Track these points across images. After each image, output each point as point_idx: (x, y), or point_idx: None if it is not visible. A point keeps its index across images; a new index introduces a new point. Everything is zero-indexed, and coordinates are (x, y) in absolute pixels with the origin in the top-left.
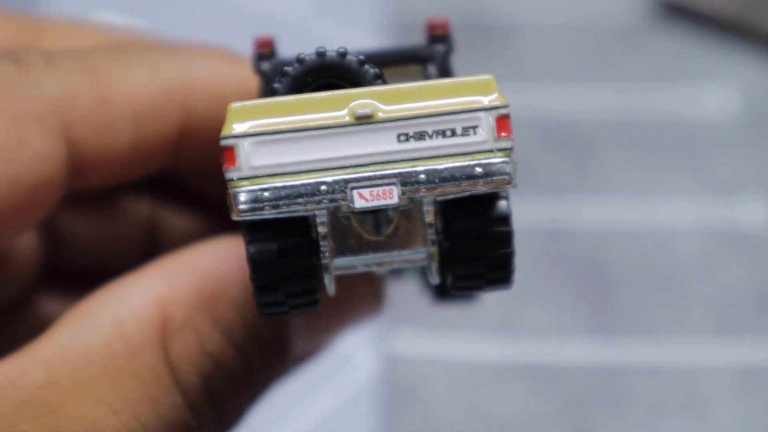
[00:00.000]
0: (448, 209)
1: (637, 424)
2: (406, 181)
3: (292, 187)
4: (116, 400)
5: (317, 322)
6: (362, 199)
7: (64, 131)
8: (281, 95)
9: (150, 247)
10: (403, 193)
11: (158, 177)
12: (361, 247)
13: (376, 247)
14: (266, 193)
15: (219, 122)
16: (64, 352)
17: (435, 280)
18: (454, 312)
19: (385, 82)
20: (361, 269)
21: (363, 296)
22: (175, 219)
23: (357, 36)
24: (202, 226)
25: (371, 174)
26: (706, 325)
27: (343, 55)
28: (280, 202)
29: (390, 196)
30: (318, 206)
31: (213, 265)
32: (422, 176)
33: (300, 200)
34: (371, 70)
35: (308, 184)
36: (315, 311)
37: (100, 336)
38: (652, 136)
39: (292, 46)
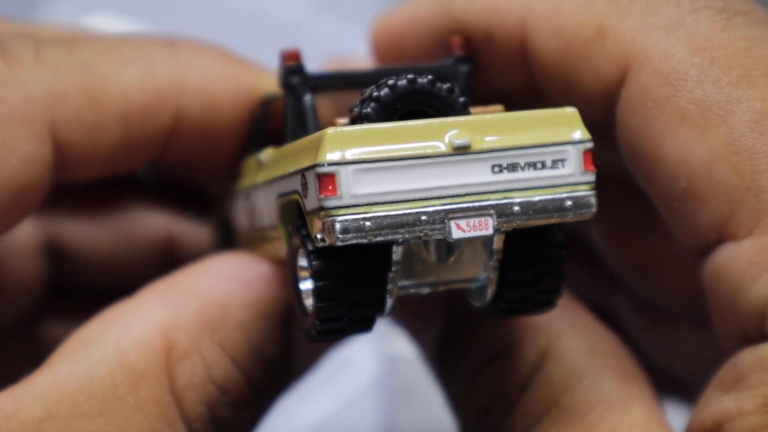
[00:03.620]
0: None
1: None
2: (502, 212)
3: (395, 216)
4: None
5: None
6: (459, 230)
7: (51, 131)
8: (373, 121)
9: (168, 263)
10: (498, 224)
11: (173, 190)
12: (425, 271)
13: (438, 272)
14: (368, 223)
15: (210, 122)
16: (63, 384)
17: (487, 302)
18: None
19: (468, 111)
20: (422, 292)
21: None
22: (194, 233)
23: (356, 35)
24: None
25: (470, 205)
26: None
27: (432, 82)
28: (382, 232)
29: (486, 227)
30: (416, 236)
31: (214, 286)
32: (516, 208)
33: (401, 230)
34: (460, 98)
35: (410, 214)
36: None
37: (102, 366)
38: None
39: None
